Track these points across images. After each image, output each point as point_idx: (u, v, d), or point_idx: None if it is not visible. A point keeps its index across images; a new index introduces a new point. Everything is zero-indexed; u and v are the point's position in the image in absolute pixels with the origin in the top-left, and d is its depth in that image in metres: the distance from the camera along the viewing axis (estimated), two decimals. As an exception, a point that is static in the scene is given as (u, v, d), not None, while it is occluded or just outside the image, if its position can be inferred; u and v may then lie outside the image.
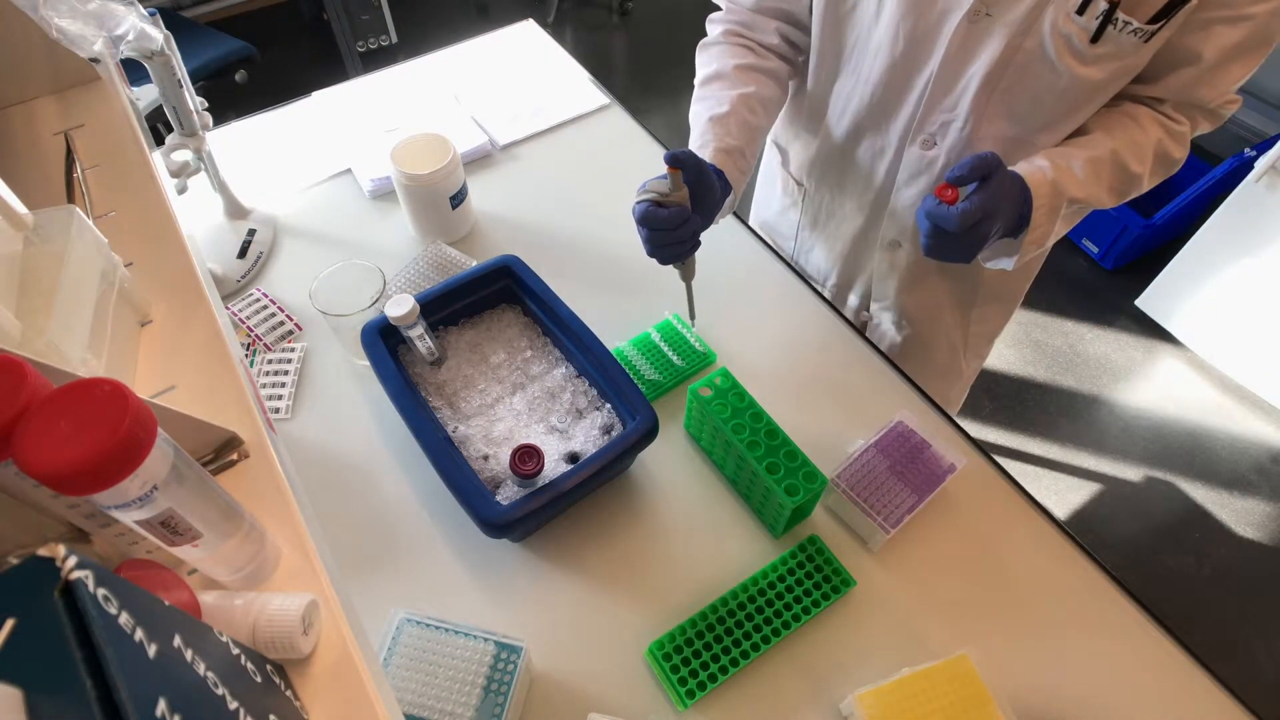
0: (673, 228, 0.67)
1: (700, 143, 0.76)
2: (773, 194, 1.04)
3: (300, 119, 1.15)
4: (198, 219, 0.96)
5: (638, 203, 0.67)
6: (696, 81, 0.82)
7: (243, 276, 0.92)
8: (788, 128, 0.94)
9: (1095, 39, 0.61)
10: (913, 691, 0.58)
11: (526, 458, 0.65)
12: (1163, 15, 0.60)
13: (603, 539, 0.72)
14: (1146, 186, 0.73)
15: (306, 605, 0.38)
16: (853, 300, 0.99)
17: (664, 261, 0.72)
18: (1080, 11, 0.61)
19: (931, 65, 0.70)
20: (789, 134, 0.94)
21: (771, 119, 0.82)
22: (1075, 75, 0.64)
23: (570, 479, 0.64)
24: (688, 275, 0.77)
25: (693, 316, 0.82)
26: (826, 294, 0.96)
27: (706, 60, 0.83)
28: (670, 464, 0.78)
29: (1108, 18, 0.60)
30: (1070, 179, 0.68)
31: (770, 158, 1.02)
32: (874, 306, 0.97)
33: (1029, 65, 0.65)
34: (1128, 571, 1.60)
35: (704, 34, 0.86)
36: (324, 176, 1.06)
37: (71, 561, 0.23)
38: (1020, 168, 0.69)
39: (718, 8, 0.85)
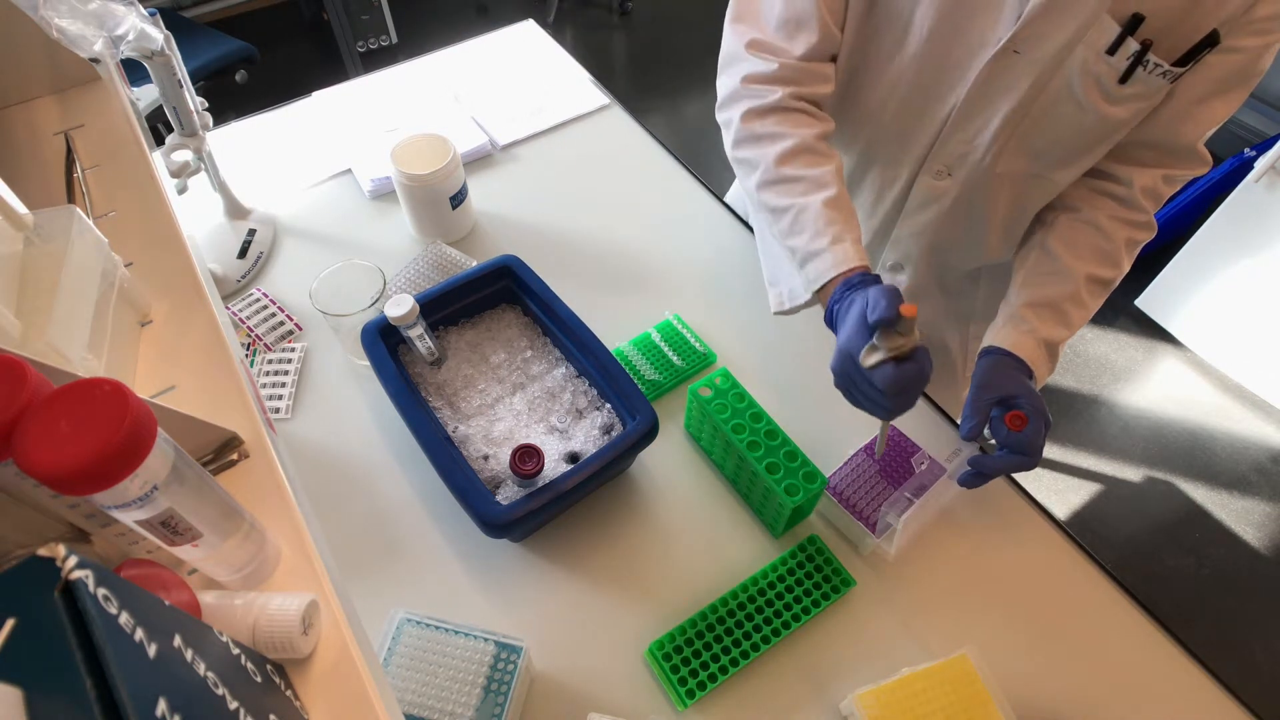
0: (927, 378, 0.58)
1: (830, 236, 0.65)
2: None
3: (300, 119, 1.15)
4: (198, 219, 0.96)
5: (875, 367, 0.57)
6: (773, 155, 0.68)
7: (243, 276, 0.92)
8: None
9: (1124, 79, 0.60)
10: (913, 691, 0.58)
11: (526, 458, 0.65)
12: (1189, 58, 0.59)
13: (603, 539, 0.72)
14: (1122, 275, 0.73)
15: (306, 605, 0.38)
16: None
17: (901, 412, 0.62)
18: (1111, 51, 0.59)
19: (954, 99, 0.67)
20: None
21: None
22: (1100, 114, 0.63)
23: (570, 479, 0.64)
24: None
25: (879, 452, 0.73)
26: None
27: (771, 128, 0.69)
28: (670, 464, 0.78)
29: (1139, 59, 0.59)
30: (1055, 329, 0.69)
31: None
32: None
33: (1054, 104, 0.64)
34: (1128, 571, 1.60)
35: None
36: (324, 176, 1.06)
37: (71, 561, 0.23)
38: (1008, 338, 0.68)
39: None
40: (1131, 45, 0.58)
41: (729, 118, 0.73)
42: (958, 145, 0.70)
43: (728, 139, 0.74)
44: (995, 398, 0.65)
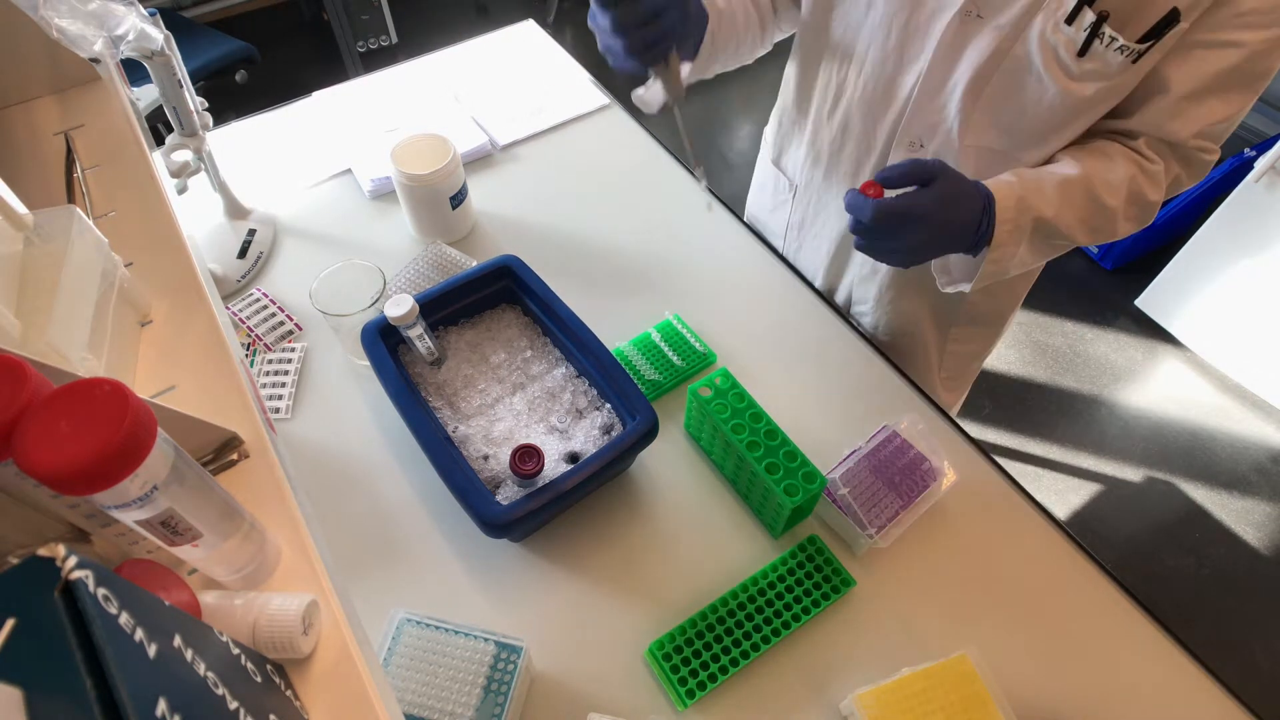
0: None
1: None
2: (764, 192, 1.04)
3: (300, 119, 1.15)
4: (198, 219, 0.96)
5: None
6: None
7: (243, 276, 0.92)
8: (780, 124, 0.94)
9: (1082, 52, 0.61)
10: (913, 691, 0.58)
11: (526, 458, 0.65)
12: (1151, 36, 0.59)
13: (603, 539, 0.72)
14: (1121, 228, 0.69)
15: (306, 605, 0.38)
16: (838, 301, 0.99)
17: (638, 57, 0.60)
18: (1069, 21, 0.60)
19: (921, 64, 0.69)
20: (781, 130, 0.94)
21: (744, 27, 0.78)
22: (1060, 89, 0.63)
23: (570, 479, 0.64)
24: (674, 89, 0.61)
25: (694, 156, 0.67)
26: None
27: None
28: (670, 464, 0.78)
29: (1095, 30, 0.59)
30: (1039, 197, 0.65)
31: (763, 154, 1.02)
32: (855, 309, 0.97)
33: (1016, 73, 0.65)
34: (1128, 571, 1.60)
35: None
36: (324, 176, 1.06)
37: (71, 561, 0.23)
38: (985, 181, 0.66)
39: None
40: (1089, 15, 0.59)
41: None
42: (928, 114, 0.72)
43: None
44: (918, 166, 0.62)
